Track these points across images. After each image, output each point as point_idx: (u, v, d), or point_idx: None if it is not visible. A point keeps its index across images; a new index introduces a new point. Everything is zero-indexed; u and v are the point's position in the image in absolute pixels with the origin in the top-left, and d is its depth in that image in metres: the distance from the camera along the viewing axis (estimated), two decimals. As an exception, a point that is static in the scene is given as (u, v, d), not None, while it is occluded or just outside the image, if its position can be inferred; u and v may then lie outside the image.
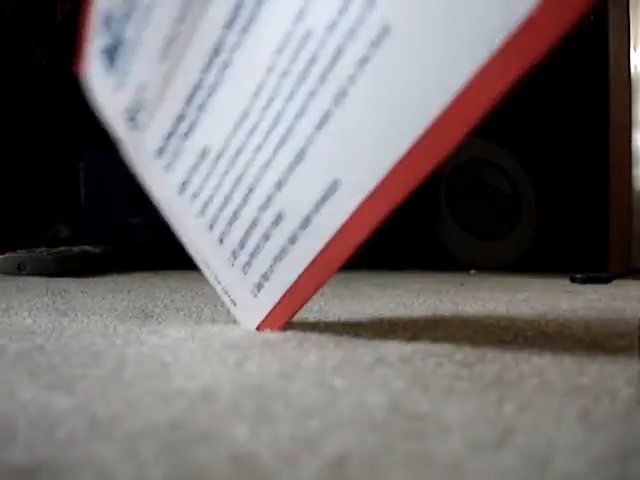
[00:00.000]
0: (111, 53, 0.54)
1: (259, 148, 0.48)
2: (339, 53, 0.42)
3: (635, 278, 1.39)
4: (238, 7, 0.46)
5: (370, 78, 0.41)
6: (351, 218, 0.43)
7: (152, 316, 0.63)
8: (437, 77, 0.38)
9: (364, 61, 0.41)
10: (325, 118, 0.43)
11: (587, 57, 2.09)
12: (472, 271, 1.84)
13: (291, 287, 0.49)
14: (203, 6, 0.47)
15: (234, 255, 0.52)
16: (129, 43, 0.52)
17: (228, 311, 0.57)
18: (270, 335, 0.51)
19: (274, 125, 0.46)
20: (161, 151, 0.53)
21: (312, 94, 0.44)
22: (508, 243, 2.26)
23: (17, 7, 1.94)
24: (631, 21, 1.49)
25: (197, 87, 0.50)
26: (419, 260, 1.91)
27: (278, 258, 0.49)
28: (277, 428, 0.25)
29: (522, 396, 0.30)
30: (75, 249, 1.34)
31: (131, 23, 0.51)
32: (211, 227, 0.53)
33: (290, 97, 0.45)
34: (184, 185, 0.53)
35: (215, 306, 0.72)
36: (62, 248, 1.34)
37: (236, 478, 0.20)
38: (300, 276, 0.48)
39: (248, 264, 0.52)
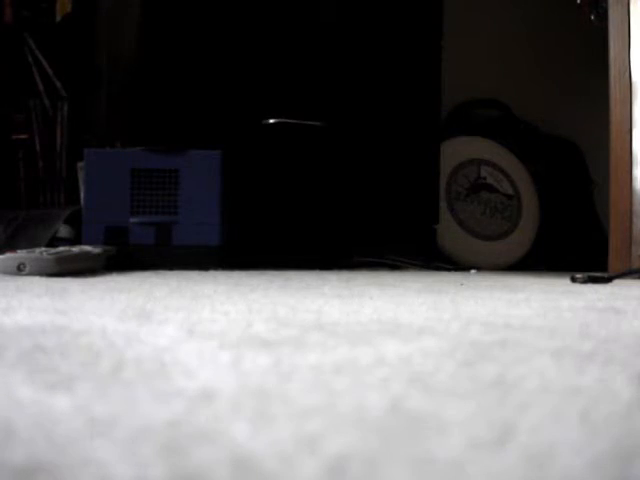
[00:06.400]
0: None
1: None
2: None
3: (635, 278, 1.39)
4: None
5: None
6: None
7: (151, 316, 0.63)
8: None
9: None
10: None
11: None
12: (472, 271, 1.84)
13: None
14: None
15: None
16: None
17: (227, 311, 0.57)
18: (268, 335, 0.50)
19: None
20: None
21: None
22: (508, 243, 2.25)
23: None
24: (631, 21, 1.49)
25: None
26: (419, 260, 1.91)
27: None
28: (277, 428, 0.25)
29: (522, 396, 0.30)
30: (75, 249, 1.34)
31: None
32: None
33: None
34: None
35: (214, 306, 0.72)
36: (62, 248, 1.34)
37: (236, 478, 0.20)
38: None
39: None
